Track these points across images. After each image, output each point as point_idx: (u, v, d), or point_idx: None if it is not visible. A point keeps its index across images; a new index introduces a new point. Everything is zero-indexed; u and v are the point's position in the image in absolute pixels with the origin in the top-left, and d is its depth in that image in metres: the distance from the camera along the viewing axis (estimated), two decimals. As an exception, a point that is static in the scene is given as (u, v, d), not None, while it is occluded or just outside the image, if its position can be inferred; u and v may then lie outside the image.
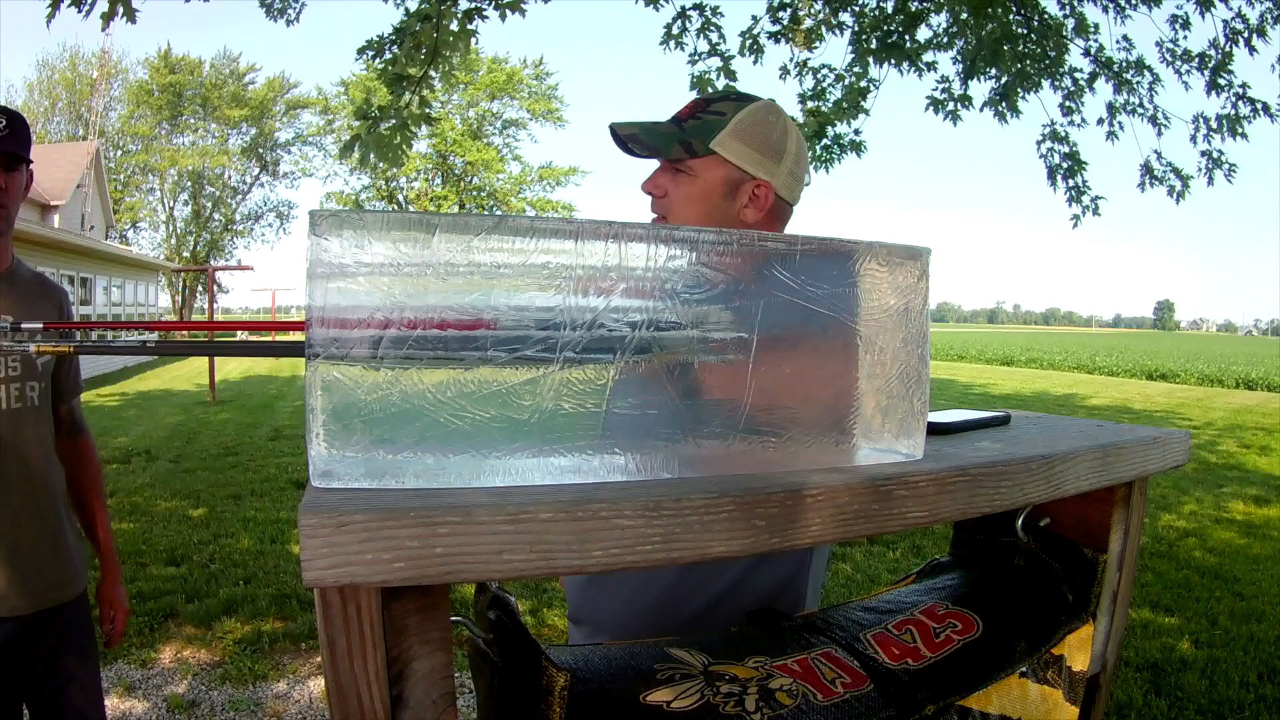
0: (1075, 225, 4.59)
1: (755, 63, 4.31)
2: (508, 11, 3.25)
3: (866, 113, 4.28)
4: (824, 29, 4.23)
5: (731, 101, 1.01)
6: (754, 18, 4.28)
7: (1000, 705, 0.66)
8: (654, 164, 1.02)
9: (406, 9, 3.40)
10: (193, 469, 6.43)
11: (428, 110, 3.57)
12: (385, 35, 3.46)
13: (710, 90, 3.97)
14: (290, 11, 3.79)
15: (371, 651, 0.42)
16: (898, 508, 0.52)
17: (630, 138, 0.99)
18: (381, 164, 3.56)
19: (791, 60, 4.44)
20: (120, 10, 2.74)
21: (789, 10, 4.27)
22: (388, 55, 3.44)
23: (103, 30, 2.89)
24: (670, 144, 0.98)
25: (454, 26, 3.23)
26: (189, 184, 34.15)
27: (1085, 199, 4.54)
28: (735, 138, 0.98)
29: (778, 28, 4.28)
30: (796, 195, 1.05)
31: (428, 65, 3.33)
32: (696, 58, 4.11)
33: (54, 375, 1.60)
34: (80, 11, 2.72)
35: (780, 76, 4.49)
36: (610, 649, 0.62)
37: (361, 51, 3.51)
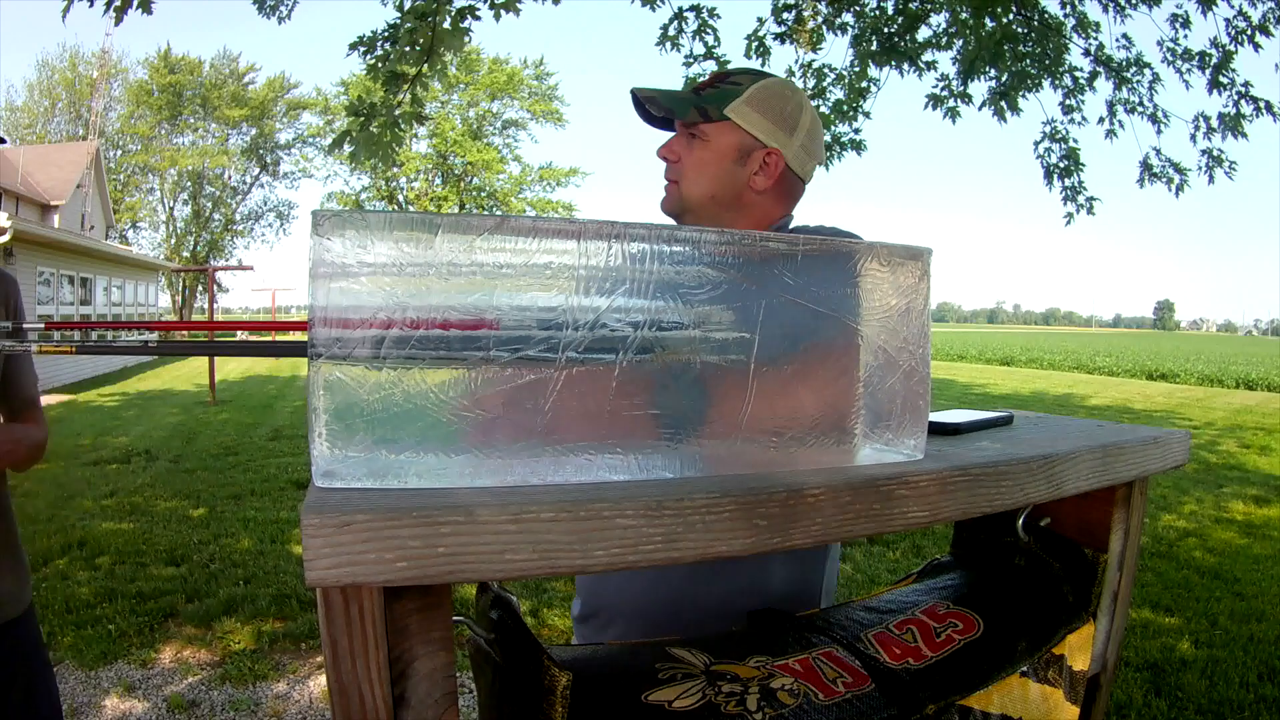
0: (1069, 222, 4.62)
1: (762, 65, 4.30)
2: (502, 11, 3.24)
3: (867, 115, 4.28)
4: (825, 29, 4.23)
5: (750, 74, 1.04)
6: (759, 19, 4.28)
7: (1001, 705, 0.66)
8: (667, 135, 1.06)
9: (401, 5, 3.38)
10: (193, 469, 6.42)
11: (420, 109, 3.56)
12: (379, 31, 3.45)
13: None
14: (283, 9, 3.77)
15: (373, 651, 0.42)
16: (899, 507, 0.52)
17: (649, 99, 1.01)
18: (373, 161, 3.54)
19: (796, 62, 4.44)
20: (135, 1, 2.72)
21: (794, 11, 4.26)
22: (379, 51, 3.43)
23: (116, 24, 2.86)
24: (686, 108, 1.01)
25: (447, 24, 3.21)
26: (189, 184, 34.11)
27: (1081, 198, 4.56)
28: (749, 105, 1.00)
29: (783, 29, 4.28)
30: (809, 171, 1.07)
31: (422, 63, 3.32)
32: (691, 59, 4.09)
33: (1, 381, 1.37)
34: (92, 4, 2.70)
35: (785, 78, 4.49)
36: (612, 648, 0.62)
37: (353, 47, 3.49)
